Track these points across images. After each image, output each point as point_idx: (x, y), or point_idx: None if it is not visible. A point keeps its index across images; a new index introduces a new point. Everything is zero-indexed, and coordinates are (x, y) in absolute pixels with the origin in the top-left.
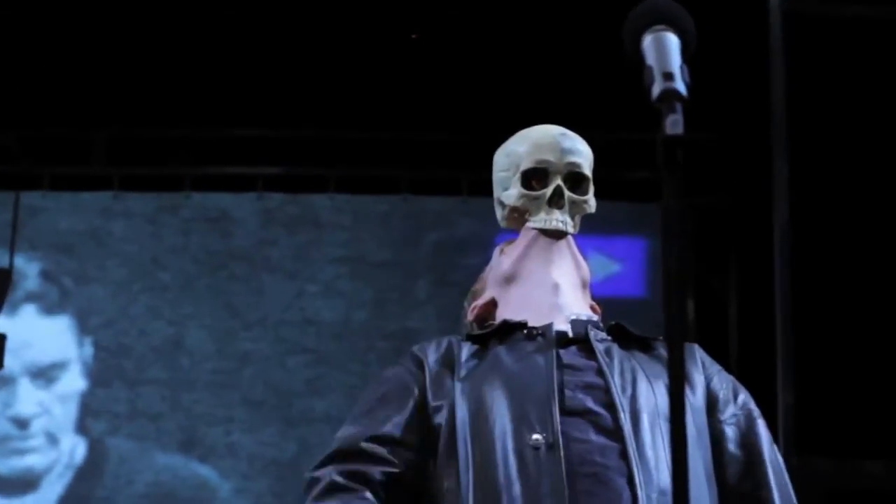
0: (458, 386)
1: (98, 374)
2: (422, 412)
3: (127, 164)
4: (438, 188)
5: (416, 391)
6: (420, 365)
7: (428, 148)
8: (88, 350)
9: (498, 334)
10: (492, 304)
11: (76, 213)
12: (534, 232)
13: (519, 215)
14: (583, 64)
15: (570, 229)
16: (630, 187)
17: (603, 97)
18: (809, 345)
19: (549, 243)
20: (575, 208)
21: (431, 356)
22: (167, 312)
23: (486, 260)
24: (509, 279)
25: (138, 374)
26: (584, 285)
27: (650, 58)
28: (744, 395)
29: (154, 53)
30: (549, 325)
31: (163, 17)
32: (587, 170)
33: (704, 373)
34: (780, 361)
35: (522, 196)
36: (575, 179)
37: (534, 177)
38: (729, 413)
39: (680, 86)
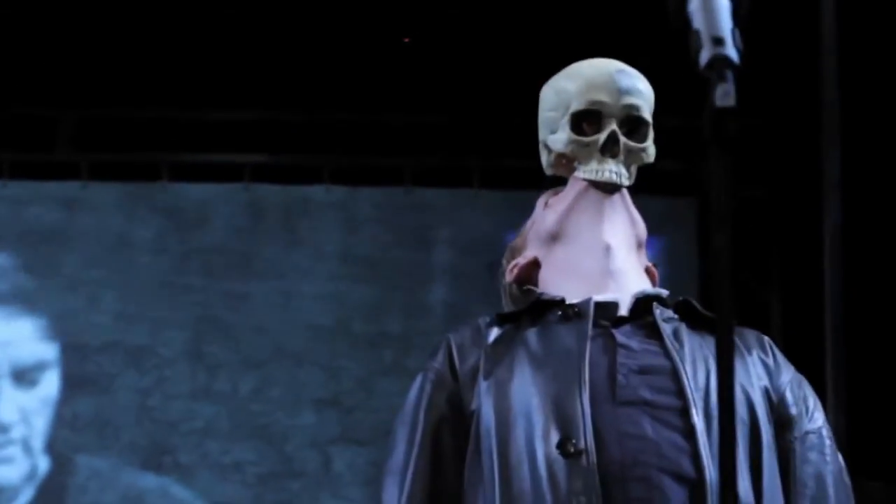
0: (482, 385)
1: (64, 381)
2: (460, 434)
3: (95, 150)
4: (446, 179)
5: (449, 412)
6: (452, 368)
7: (433, 132)
8: (52, 354)
9: (529, 313)
10: (534, 264)
11: (39, 203)
12: (583, 183)
13: (567, 163)
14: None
15: (626, 181)
16: (642, 179)
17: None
18: (862, 360)
19: (600, 197)
20: (632, 157)
21: (462, 353)
22: (140, 314)
23: (498, 260)
24: (555, 237)
25: (108, 381)
26: (639, 246)
27: (697, 20)
28: (818, 412)
29: (126, 25)
30: (587, 302)
31: None
32: (647, 113)
33: (778, 378)
34: (829, 378)
35: (572, 141)
36: (633, 124)
37: (585, 119)
38: (801, 431)
39: (732, 52)
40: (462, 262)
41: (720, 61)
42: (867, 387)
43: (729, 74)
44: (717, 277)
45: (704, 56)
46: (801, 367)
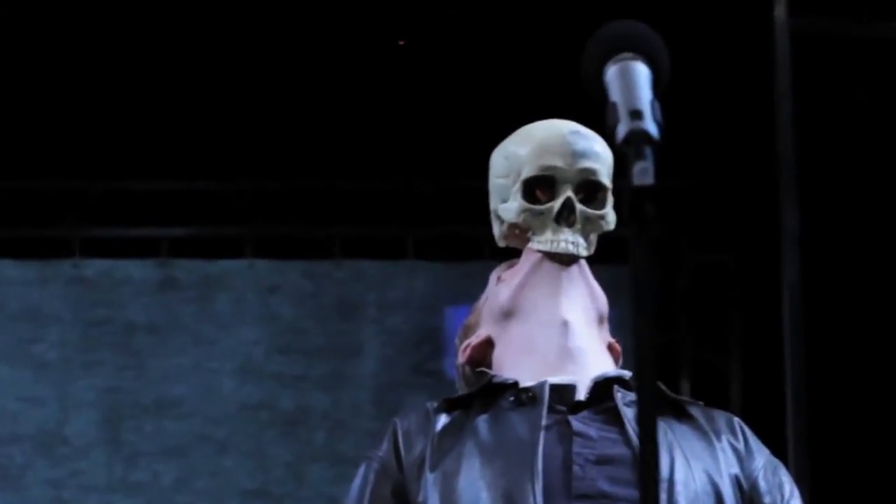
0: (429, 478)
1: None
2: None
3: (2, 225)
4: (379, 250)
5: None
6: (397, 457)
7: (364, 199)
8: None
9: (480, 397)
10: (488, 344)
11: None
12: (538, 255)
13: (521, 233)
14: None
15: (584, 252)
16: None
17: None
18: (826, 433)
19: (556, 269)
20: (589, 226)
21: (408, 441)
22: (49, 395)
23: (438, 336)
24: (509, 313)
25: (17, 472)
26: (600, 321)
27: (614, 93)
28: (795, 500)
29: (27, 91)
30: (542, 385)
31: (47, 43)
32: (605, 177)
33: (750, 464)
34: (791, 453)
35: (524, 210)
36: (590, 189)
37: (538, 186)
38: None
39: (650, 126)
40: (395, 338)
41: (638, 136)
42: (832, 461)
43: (647, 150)
44: (641, 364)
45: (621, 131)
46: (763, 441)
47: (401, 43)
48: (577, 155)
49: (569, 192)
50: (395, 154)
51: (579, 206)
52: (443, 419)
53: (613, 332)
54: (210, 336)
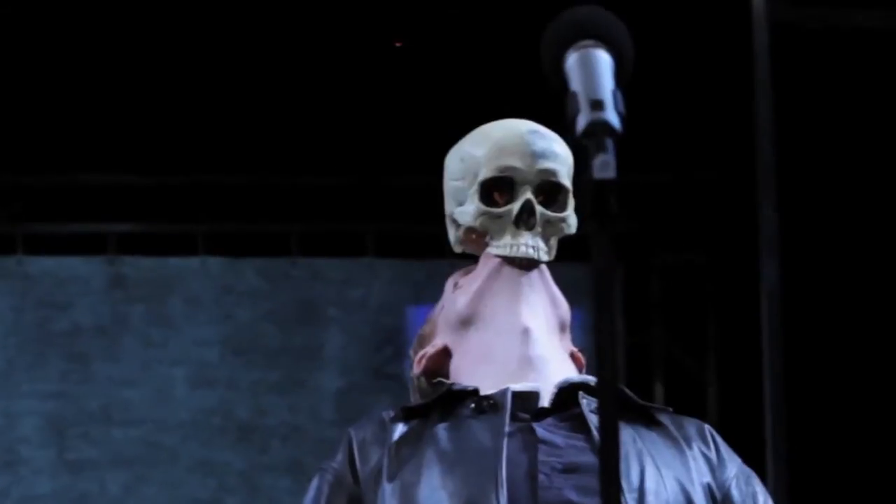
0: (386, 489)
1: None
2: None
3: None
4: (337, 247)
5: None
6: (352, 468)
7: (322, 194)
8: None
9: (439, 406)
10: (444, 354)
11: None
12: (497, 260)
13: (478, 238)
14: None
15: (544, 256)
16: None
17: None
18: (806, 441)
19: (516, 275)
20: (550, 229)
21: (363, 451)
22: None
23: (399, 337)
24: (466, 322)
25: None
26: (563, 328)
27: (575, 81)
28: None
29: None
30: (504, 392)
31: None
32: (566, 178)
33: (723, 473)
34: (770, 462)
35: (482, 214)
36: (550, 191)
37: (496, 188)
38: None
39: (612, 117)
40: (355, 340)
41: (599, 128)
42: (811, 471)
43: (609, 143)
44: (603, 368)
45: (581, 122)
46: (740, 450)
47: (395, 42)
48: (537, 155)
49: (528, 194)
50: (355, 148)
51: (539, 209)
52: (400, 428)
53: (581, 334)
54: (160, 338)
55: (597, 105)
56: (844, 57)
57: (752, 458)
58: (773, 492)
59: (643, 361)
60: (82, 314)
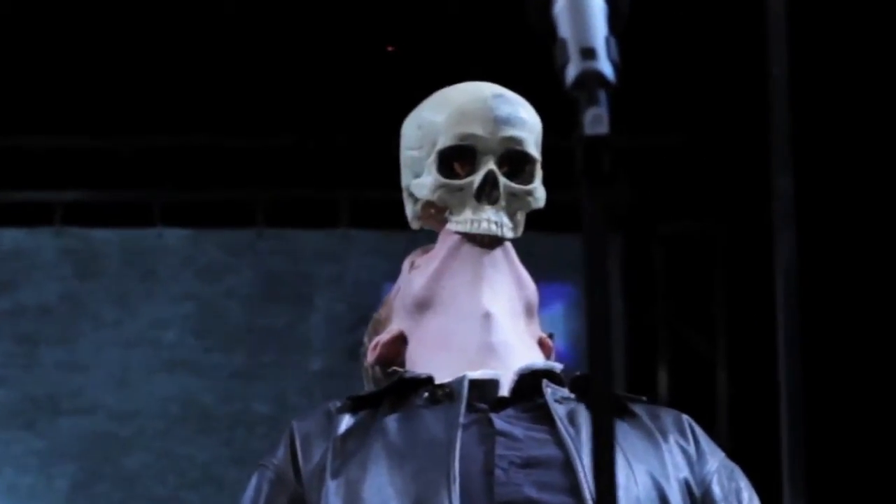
0: (330, 486)
1: None
2: None
3: None
4: (308, 217)
5: None
6: (294, 465)
7: (291, 157)
8: None
9: (391, 395)
10: (400, 340)
11: None
12: (456, 237)
13: (437, 212)
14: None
15: (509, 233)
16: (550, 214)
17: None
18: (826, 433)
19: (478, 253)
20: (516, 202)
21: (306, 446)
22: None
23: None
24: (424, 305)
25: None
26: (528, 311)
27: (564, 28)
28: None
29: None
30: (460, 381)
31: None
32: (533, 147)
33: (702, 468)
34: (785, 454)
35: (440, 186)
36: (515, 161)
37: (457, 158)
38: None
39: (605, 66)
40: (328, 319)
41: (590, 78)
42: (831, 464)
43: (601, 95)
44: (595, 350)
45: (571, 72)
46: (752, 439)
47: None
48: (500, 122)
49: (491, 165)
50: (327, 108)
51: (503, 181)
52: (346, 420)
53: (568, 313)
54: (113, 318)
55: (588, 53)
56: (868, 11)
57: (767, 449)
58: (790, 487)
59: (645, 343)
60: (27, 292)
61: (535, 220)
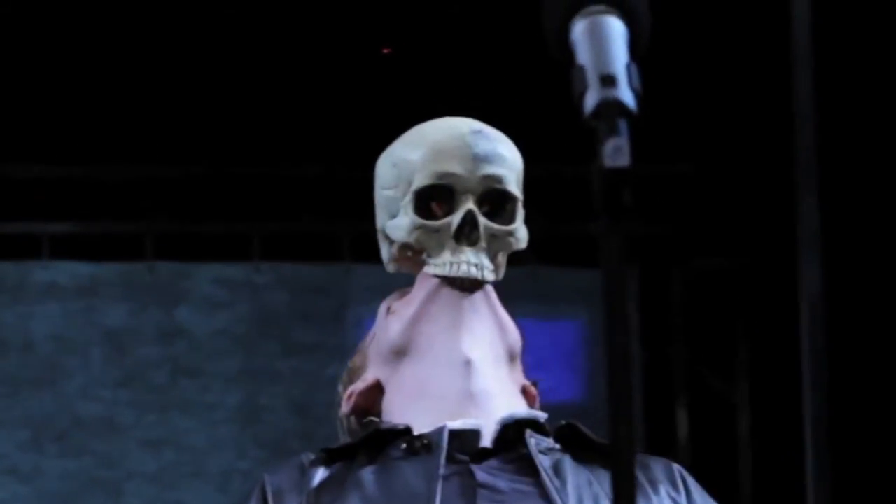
0: None
1: None
2: None
3: None
4: (307, 251)
5: None
6: None
7: (289, 188)
8: None
9: (367, 447)
10: (376, 389)
11: None
12: (435, 281)
13: (414, 255)
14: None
15: (489, 275)
16: (566, 247)
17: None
18: (851, 477)
19: (457, 297)
20: (496, 244)
21: (279, 501)
22: None
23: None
24: (401, 352)
25: None
26: (510, 358)
27: (582, 54)
28: None
29: None
30: (439, 431)
31: None
32: (514, 186)
33: None
34: (811, 501)
35: (417, 227)
36: (495, 200)
37: (434, 198)
38: None
39: (626, 95)
40: (324, 359)
41: (611, 107)
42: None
43: (622, 125)
44: (616, 389)
45: (590, 100)
46: (776, 486)
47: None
48: (479, 159)
49: (470, 204)
50: (326, 139)
51: (483, 221)
52: (320, 473)
53: (580, 347)
54: (101, 356)
55: (608, 81)
56: (894, 33)
57: (791, 495)
58: None
59: (663, 382)
60: (8, 328)
61: (545, 253)
